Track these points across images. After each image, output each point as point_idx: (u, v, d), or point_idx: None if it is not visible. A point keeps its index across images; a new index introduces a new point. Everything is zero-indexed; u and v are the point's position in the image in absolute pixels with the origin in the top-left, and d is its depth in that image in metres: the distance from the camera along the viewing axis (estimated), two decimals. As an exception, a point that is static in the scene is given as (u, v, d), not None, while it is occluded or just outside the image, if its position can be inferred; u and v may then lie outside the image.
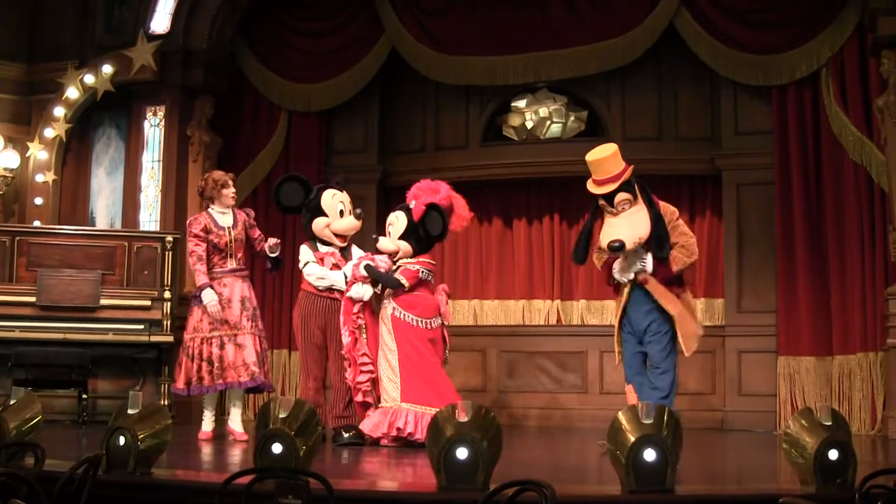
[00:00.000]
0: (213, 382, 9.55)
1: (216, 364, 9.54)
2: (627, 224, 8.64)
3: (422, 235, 9.33)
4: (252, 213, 10.14)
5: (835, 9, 11.69)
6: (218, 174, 10.06)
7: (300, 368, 10.07)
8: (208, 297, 9.60)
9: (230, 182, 9.93)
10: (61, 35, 13.55)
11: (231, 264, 9.87)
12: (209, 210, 9.95)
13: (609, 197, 8.70)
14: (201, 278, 9.69)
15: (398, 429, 8.87)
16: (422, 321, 9.16)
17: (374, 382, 9.26)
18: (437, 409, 8.53)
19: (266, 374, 9.68)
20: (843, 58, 11.70)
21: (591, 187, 8.83)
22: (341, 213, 9.60)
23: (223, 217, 9.89)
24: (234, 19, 13.51)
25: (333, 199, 9.66)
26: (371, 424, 9.07)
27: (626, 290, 8.87)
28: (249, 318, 9.69)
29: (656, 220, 8.65)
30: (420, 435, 8.68)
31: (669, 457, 5.14)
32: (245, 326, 9.65)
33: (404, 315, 9.13)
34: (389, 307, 9.21)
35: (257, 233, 10.02)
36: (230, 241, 9.84)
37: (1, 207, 13.07)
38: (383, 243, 9.36)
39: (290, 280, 13.16)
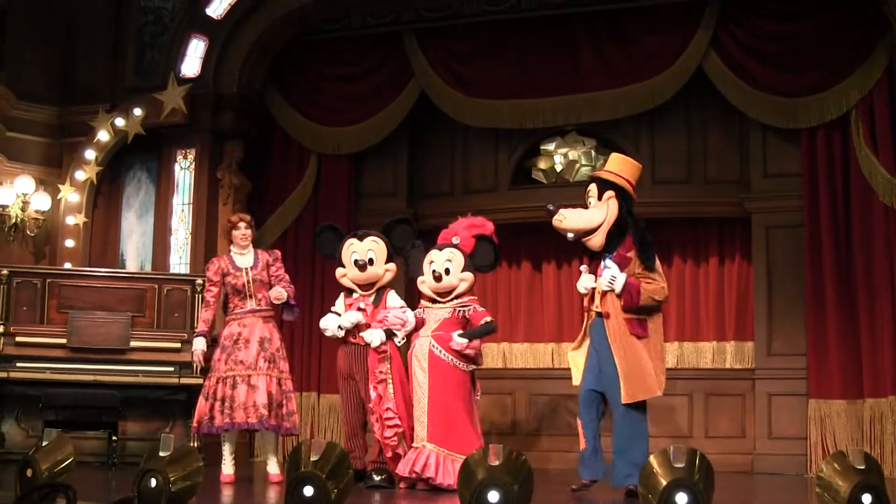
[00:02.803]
0: (222, 422, 9.55)
1: (227, 403, 9.55)
2: (577, 212, 8.80)
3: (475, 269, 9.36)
4: (277, 255, 10.10)
5: (864, 51, 11.69)
6: (233, 216, 10.21)
7: (341, 413, 10.10)
8: (196, 344, 9.90)
9: (241, 224, 9.96)
10: (92, 78, 13.67)
11: (250, 304, 9.87)
12: (230, 251, 10.04)
13: (590, 181, 8.95)
14: (199, 325, 10.05)
15: (415, 472, 8.85)
16: (459, 362, 9.13)
17: (402, 437, 9.23)
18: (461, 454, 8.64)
19: (284, 416, 9.61)
20: (872, 100, 11.66)
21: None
22: (356, 262, 9.58)
23: (242, 258, 9.92)
24: (264, 64, 13.62)
25: (347, 251, 9.67)
26: (403, 464, 9.04)
27: (586, 313, 8.91)
28: (267, 360, 9.65)
29: (635, 231, 8.74)
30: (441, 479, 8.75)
31: (701, 500, 5.12)
32: (261, 367, 9.62)
33: (443, 354, 9.09)
34: (426, 344, 9.14)
35: (278, 272, 9.96)
36: (248, 282, 9.85)
37: (32, 249, 13.17)
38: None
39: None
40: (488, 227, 9.50)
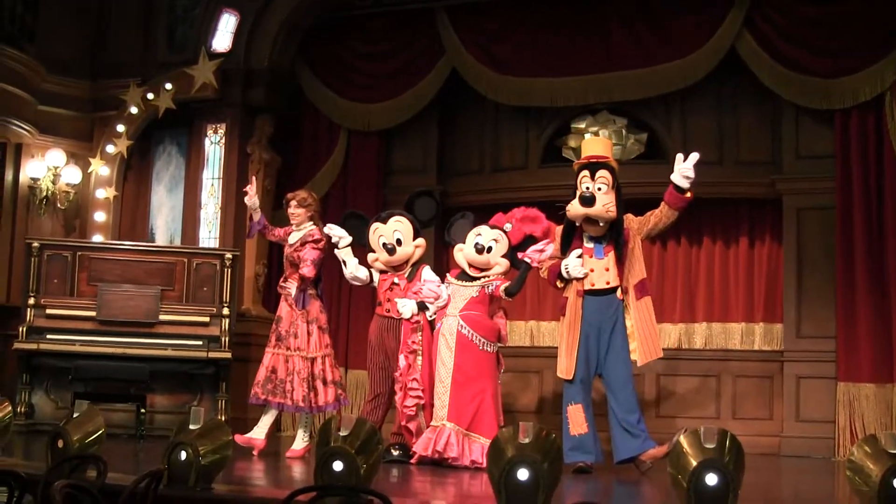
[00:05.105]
0: None
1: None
2: (600, 200, 8.90)
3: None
4: (312, 233, 9.90)
5: (899, 33, 11.63)
6: (288, 194, 10.23)
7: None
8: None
9: (292, 202, 10.02)
10: (124, 53, 13.70)
11: (282, 281, 10.01)
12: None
13: (594, 168, 9.01)
14: None
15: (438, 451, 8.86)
16: (486, 343, 9.13)
17: (421, 409, 9.27)
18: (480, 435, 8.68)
19: (286, 393, 9.61)
20: (907, 82, 11.61)
21: (585, 153, 9.35)
22: (384, 245, 9.65)
23: (292, 234, 10.00)
24: (295, 39, 13.62)
25: (374, 235, 9.77)
26: (422, 443, 9.04)
27: (579, 298, 8.99)
28: (276, 337, 9.77)
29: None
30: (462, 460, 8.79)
31: (731, 482, 5.10)
32: (270, 343, 9.81)
33: (472, 335, 9.09)
34: (454, 323, 9.14)
35: (303, 252, 9.82)
36: (285, 258, 10.00)
37: (62, 222, 13.22)
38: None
39: (347, 301, 13.26)
40: (541, 225, 9.49)
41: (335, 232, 9.68)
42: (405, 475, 8.35)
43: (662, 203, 9.06)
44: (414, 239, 9.74)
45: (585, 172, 9.01)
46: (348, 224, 9.89)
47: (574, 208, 8.96)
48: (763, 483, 8.59)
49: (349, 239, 9.69)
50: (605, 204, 8.84)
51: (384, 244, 9.61)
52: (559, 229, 9.33)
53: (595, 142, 9.90)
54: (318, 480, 5.49)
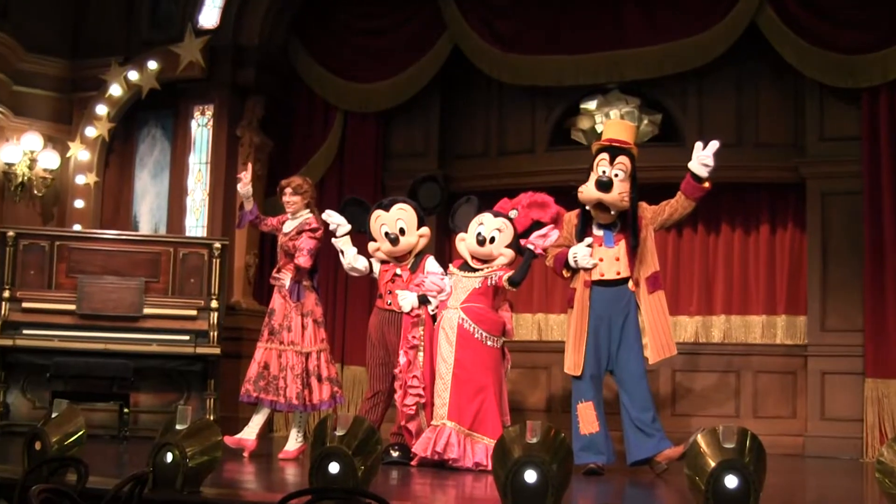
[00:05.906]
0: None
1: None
2: (616, 188, 8.92)
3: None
4: (310, 222, 9.88)
5: (930, 6, 11.58)
6: (282, 181, 10.17)
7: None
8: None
9: (287, 189, 9.96)
10: (105, 29, 13.66)
11: (275, 272, 9.98)
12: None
13: (615, 152, 9.00)
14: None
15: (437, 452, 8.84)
16: (489, 337, 9.11)
17: (422, 407, 9.24)
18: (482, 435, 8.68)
19: (279, 390, 9.56)
20: (938, 59, 11.55)
21: (606, 135, 9.36)
22: (386, 234, 9.60)
23: (288, 223, 9.99)
24: (287, 15, 13.60)
25: (376, 223, 9.69)
26: (422, 443, 9.03)
27: (587, 289, 9.01)
28: (269, 331, 9.73)
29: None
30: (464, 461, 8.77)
31: (753, 484, 5.08)
32: (262, 337, 9.77)
33: (474, 328, 9.06)
34: (455, 316, 9.12)
35: (300, 242, 9.81)
36: (279, 248, 9.96)
37: (40, 210, 13.20)
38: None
39: (344, 293, 13.24)
40: (549, 211, 9.46)
41: (334, 219, 9.63)
42: (405, 477, 8.36)
43: (678, 192, 9.03)
44: (418, 228, 9.69)
45: (605, 155, 8.99)
46: (348, 211, 9.83)
47: (588, 191, 8.95)
48: (786, 485, 8.59)
49: (348, 227, 9.64)
50: (621, 192, 8.83)
51: (386, 233, 9.57)
52: (568, 216, 9.30)
53: (619, 125, 9.90)
54: (312, 483, 5.49)
